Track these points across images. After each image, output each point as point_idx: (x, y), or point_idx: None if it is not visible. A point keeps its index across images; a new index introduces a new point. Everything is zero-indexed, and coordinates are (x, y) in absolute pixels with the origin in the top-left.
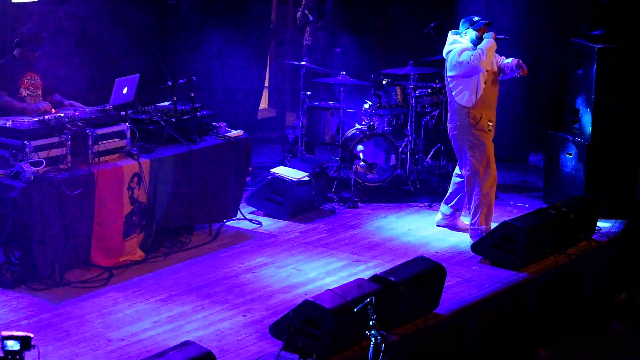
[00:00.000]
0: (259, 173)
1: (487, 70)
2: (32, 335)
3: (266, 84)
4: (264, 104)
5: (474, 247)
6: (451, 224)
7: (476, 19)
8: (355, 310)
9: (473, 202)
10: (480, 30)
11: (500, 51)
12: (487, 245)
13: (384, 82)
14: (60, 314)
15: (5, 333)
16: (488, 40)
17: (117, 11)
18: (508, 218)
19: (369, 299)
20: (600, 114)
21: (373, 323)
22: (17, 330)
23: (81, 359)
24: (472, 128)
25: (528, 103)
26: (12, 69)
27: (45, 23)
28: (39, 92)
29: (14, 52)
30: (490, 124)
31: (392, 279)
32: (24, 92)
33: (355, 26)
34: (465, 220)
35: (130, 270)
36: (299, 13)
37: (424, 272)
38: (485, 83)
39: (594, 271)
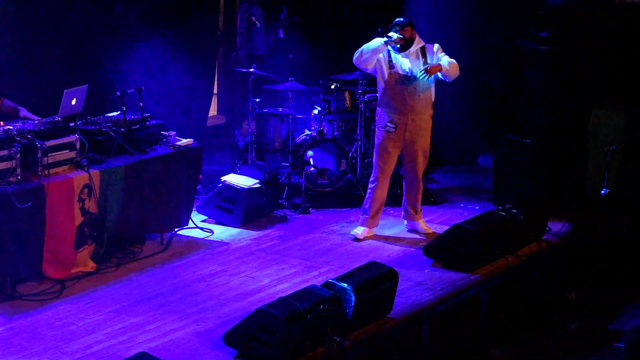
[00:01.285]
0: (210, 180)
1: (390, 72)
2: None
3: (215, 91)
4: (213, 110)
5: (425, 250)
6: (410, 227)
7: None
8: (308, 317)
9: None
10: (398, 30)
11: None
12: (438, 249)
13: (332, 87)
14: (12, 328)
15: None
16: (374, 40)
17: (64, 20)
18: (458, 221)
19: (321, 306)
20: (549, 114)
21: (326, 329)
22: None
23: None
24: (377, 125)
25: (476, 104)
26: None
27: None
28: None
29: None
30: (390, 124)
31: (344, 285)
32: None
33: (304, 32)
34: (421, 223)
35: (82, 281)
36: (244, 19)
37: (376, 277)
38: (384, 82)
39: (545, 271)
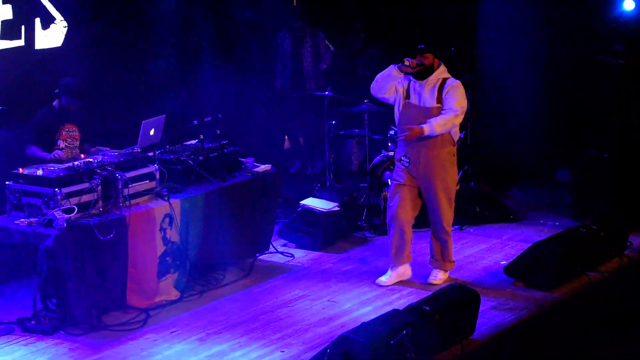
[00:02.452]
0: (289, 205)
1: (405, 102)
2: None
3: None
4: None
5: (506, 269)
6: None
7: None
8: (392, 342)
9: None
10: (417, 56)
11: (520, 70)
12: (519, 267)
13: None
14: (99, 358)
15: None
16: (390, 66)
17: (139, 51)
18: (538, 238)
19: (404, 331)
20: (626, 129)
21: (410, 355)
22: None
23: None
24: (395, 157)
25: (554, 119)
26: (51, 121)
27: (67, 69)
28: (77, 143)
29: (54, 103)
30: (405, 159)
31: (427, 308)
32: (62, 144)
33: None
34: (439, 272)
35: (166, 310)
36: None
37: (458, 299)
38: (401, 114)
39: (628, 287)
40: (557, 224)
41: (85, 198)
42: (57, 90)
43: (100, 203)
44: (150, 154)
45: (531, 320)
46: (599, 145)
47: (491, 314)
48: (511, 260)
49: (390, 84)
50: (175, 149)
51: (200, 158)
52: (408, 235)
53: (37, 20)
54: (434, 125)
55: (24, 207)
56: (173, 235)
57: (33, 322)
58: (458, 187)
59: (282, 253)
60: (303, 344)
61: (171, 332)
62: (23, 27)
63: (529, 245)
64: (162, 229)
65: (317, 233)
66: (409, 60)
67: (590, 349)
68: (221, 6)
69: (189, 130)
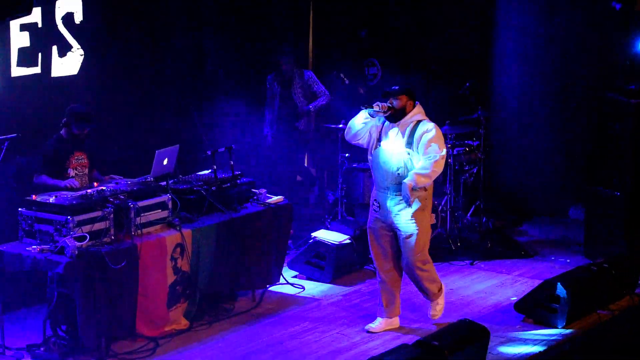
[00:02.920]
0: (301, 236)
1: (376, 145)
2: None
3: None
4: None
5: (516, 306)
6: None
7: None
8: None
9: None
10: (389, 99)
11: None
12: (530, 304)
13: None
14: None
15: None
16: (361, 112)
17: (154, 81)
18: (549, 275)
19: None
20: (638, 167)
21: None
22: None
23: None
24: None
25: (567, 156)
26: (60, 150)
27: (82, 97)
28: (86, 170)
29: (61, 132)
30: (375, 203)
31: (436, 343)
32: (72, 173)
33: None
34: (434, 306)
35: (175, 339)
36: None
37: (467, 335)
38: (372, 158)
39: (638, 325)
40: (568, 261)
41: (98, 226)
42: (64, 119)
43: (112, 231)
44: (163, 183)
45: (540, 358)
46: (613, 183)
47: (500, 350)
48: (522, 296)
49: (363, 129)
50: (188, 179)
51: (213, 188)
52: (395, 286)
53: (54, 48)
54: (416, 177)
55: (36, 234)
56: (184, 264)
57: (42, 349)
58: (432, 232)
59: (292, 285)
60: None
61: None
62: (40, 54)
63: (540, 281)
64: (173, 259)
65: (328, 265)
66: (378, 105)
67: None
68: (237, 38)
69: (202, 161)
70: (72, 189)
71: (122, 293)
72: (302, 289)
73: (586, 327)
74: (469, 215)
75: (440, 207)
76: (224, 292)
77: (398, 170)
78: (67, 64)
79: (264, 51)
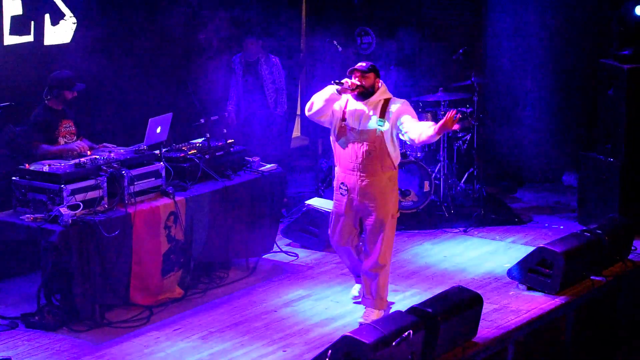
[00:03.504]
0: (294, 203)
1: (341, 125)
2: None
3: (298, 112)
4: (296, 132)
5: (510, 272)
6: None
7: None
8: (393, 343)
9: None
10: (358, 76)
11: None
12: (523, 270)
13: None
14: (102, 356)
15: None
16: (327, 87)
17: (147, 49)
18: (543, 241)
19: (406, 333)
20: (632, 133)
21: (411, 356)
22: None
23: None
24: (334, 186)
25: (560, 123)
26: (48, 120)
27: (75, 66)
28: (74, 138)
29: (46, 102)
30: (342, 187)
31: (429, 310)
32: (62, 141)
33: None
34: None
35: (169, 308)
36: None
37: (460, 302)
38: (337, 138)
39: (631, 292)
40: (562, 227)
41: (91, 195)
42: (50, 90)
43: (105, 200)
44: (157, 151)
45: (533, 324)
46: (607, 149)
47: (493, 316)
48: (515, 263)
49: (327, 106)
50: (182, 147)
51: (207, 156)
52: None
53: (47, 16)
54: (427, 129)
55: (29, 203)
56: (178, 233)
57: (37, 317)
58: (399, 214)
59: (286, 252)
60: (305, 344)
61: (174, 330)
62: (32, 22)
63: (534, 248)
64: (167, 227)
65: (321, 233)
66: (348, 82)
67: (593, 354)
68: (228, 6)
69: (195, 129)
70: (83, 149)
71: (116, 262)
72: (295, 257)
73: (579, 293)
74: (462, 182)
75: (434, 174)
76: (218, 260)
77: (369, 149)
78: (60, 33)
79: (259, 20)
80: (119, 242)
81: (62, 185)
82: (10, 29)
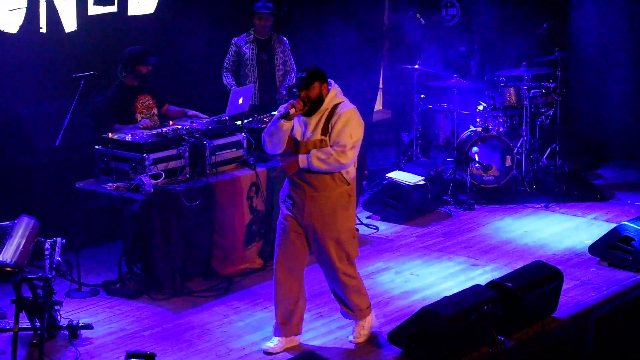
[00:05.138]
0: (375, 176)
1: (290, 134)
2: (155, 354)
3: (381, 86)
4: (378, 105)
5: (591, 248)
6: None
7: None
8: (472, 317)
9: None
10: (299, 94)
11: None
12: (604, 247)
13: (498, 83)
14: (181, 324)
15: (130, 351)
16: (274, 118)
17: (228, 22)
18: (625, 218)
19: (486, 307)
20: None
21: (490, 331)
22: (140, 341)
23: None
24: (279, 198)
25: None
26: (123, 98)
27: (157, 36)
28: (154, 111)
29: (122, 79)
30: (288, 199)
31: (509, 285)
32: (139, 117)
33: (469, 29)
34: (358, 327)
35: (249, 278)
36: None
37: (541, 277)
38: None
39: None
40: None
41: (173, 164)
42: (124, 67)
43: (187, 170)
44: (238, 122)
45: (614, 301)
46: None
47: (574, 293)
48: (597, 239)
49: (284, 138)
50: (263, 119)
51: None
52: (299, 300)
53: None
54: (312, 158)
55: (112, 172)
56: (259, 203)
57: (118, 285)
58: (358, 232)
59: (366, 225)
60: (384, 316)
61: (253, 300)
62: None
63: (616, 225)
64: (249, 198)
65: (402, 206)
66: (293, 106)
67: None
68: None
69: (277, 101)
70: (147, 128)
71: (197, 231)
72: (376, 230)
73: None
74: (544, 157)
75: (516, 150)
76: None
77: None
78: (144, 3)
79: None
80: (200, 212)
81: (144, 155)
82: (94, 0)
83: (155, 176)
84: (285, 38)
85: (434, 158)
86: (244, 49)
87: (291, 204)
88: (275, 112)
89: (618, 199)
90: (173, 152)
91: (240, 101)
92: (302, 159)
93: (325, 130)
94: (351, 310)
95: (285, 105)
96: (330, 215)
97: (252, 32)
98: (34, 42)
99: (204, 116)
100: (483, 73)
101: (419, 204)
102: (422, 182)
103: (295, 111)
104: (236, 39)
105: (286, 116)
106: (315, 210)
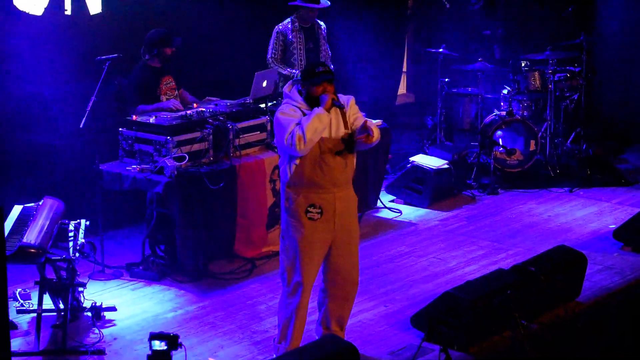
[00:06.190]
0: (399, 160)
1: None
2: (178, 336)
3: (404, 69)
4: (402, 89)
5: (615, 233)
6: None
7: (319, 69)
8: (495, 301)
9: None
10: (320, 87)
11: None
12: (629, 231)
13: (522, 67)
14: (205, 306)
15: (153, 333)
16: (317, 112)
17: (250, 3)
18: None
19: (509, 291)
20: None
21: (513, 315)
22: (163, 323)
23: (226, 350)
24: (286, 212)
25: None
26: (147, 79)
27: (183, 17)
28: (176, 92)
29: (146, 62)
30: (312, 210)
31: (532, 269)
32: (164, 98)
33: (494, 12)
34: None
35: (272, 261)
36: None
37: (564, 262)
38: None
39: None
40: None
41: (197, 147)
42: (148, 49)
43: (210, 152)
44: (262, 105)
45: (638, 285)
46: None
47: (598, 277)
48: (621, 224)
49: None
50: None
51: None
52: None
53: None
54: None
55: (135, 154)
56: None
57: (141, 267)
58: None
59: (389, 209)
60: (407, 299)
61: (276, 283)
62: None
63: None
64: (272, 181)
65: (426, 190)
66: (334, 96)
67: None
68: None
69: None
70: (176, 110)
71: (220, 214)
72: (399, 213)
73: None
74: (568, 142)
75: (540, 134)
76: None
77: (348, 160)
78: None
79: None
80: (224, 195)
81: (168, 137)
82: None
83: (179, 159)
84: (323, 24)
85: (457, 142)
86: (290, 37)
87: (318, 212)
88: None
89: None
90: (197, 134)
91: (265, 84)
92: (375, 130)
93: (346, 125)
94: (342, 328)
95: (325, 96)
96: (354, 213)
97: (296, 20)
98: (59, 24)
99: (219, 100)
100: (507, 57)
101: (443, 188)
102: (446, 166)
103: (335, 99)
104: (280, 27)
105: (341, 105)
106: (346, 210)
